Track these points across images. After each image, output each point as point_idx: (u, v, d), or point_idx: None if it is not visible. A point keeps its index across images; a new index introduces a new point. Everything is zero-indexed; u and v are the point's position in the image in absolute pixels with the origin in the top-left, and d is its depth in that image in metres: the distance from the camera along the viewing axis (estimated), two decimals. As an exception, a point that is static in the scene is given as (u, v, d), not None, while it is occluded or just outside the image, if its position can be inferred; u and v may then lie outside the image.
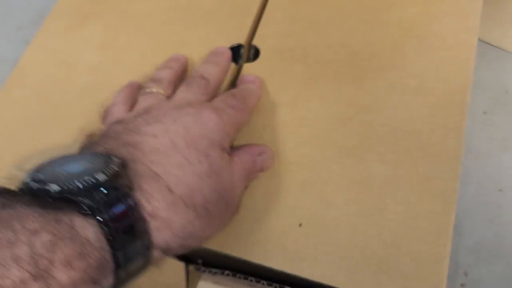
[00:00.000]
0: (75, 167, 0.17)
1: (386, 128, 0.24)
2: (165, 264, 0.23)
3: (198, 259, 0.23)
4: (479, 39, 0.50)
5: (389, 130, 0.24)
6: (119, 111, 0.24)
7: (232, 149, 0.23)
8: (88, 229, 0.16)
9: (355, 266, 0.21)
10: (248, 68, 0.27)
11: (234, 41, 0.28)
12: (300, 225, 0.22)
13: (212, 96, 0.24)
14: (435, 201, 0.22)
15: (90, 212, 0.16)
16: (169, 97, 0.24)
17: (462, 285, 0.39)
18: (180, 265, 0.23)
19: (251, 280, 0.22)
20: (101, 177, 0.17)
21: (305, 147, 0.24)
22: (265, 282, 0.22)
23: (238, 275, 0.22)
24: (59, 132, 0.27)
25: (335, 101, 0.25)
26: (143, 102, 0.23)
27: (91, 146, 0.20)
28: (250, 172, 0.23)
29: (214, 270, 0.22)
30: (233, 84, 0.27)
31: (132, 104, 0.24)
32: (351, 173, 0.23)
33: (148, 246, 0.18)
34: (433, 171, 0.23)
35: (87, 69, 0.29)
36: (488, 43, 0.49)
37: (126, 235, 0.17)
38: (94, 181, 0.17)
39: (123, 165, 0.18)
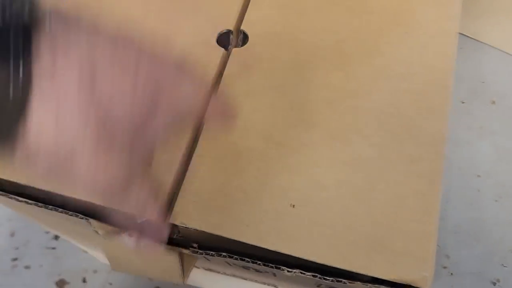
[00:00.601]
0: None
1: (373, 112, 0.25)
2: (159, 252, 0.23)
3: (193, 244, 0.24)
4: (459, 32, 0.52)
5: (376, 114, 0.25)
6: None
7: None
8: None
9: (347, 245, 0.22)
10: (237, 53, 0.27)
11: (223, 28, 0.28)
12: (293, 206, 0.23)
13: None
14: (422, 181, 0.23)
15: None
16: None
17: (444, 267, 0.41)
18: (174, 255, 0.23)
19: (247, 261, 0.22)
20: None
21: (295, 130, 0.25)
22: (260, 263, 0.22)
23: (234, 256, 0.22)
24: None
25: (324, 86, 0.26)
26: None
27: None
28: None
29: (210, 252, 0.23)
30: (222, 72, 0.27)
31: None
32: (340, 155, 0.24)
33: None
34: (419, 152, 0.24)
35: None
36: (465, 35, 0.51)
37: None
38: None
39: None
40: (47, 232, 0.44)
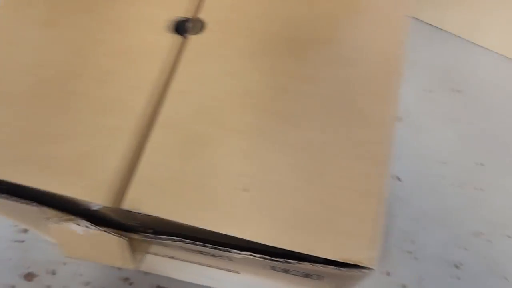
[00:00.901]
0: None
1: (325, 98, 0.26)
2: (106, 239, 0.23)
3: (148, 229, 0.24)
4: (424, 21, 0.53)
5: (328, 100, 0.26)
6: None
7: None
8: None
9: (298, 228, 0.22)
10: (194, 41, 0.27)
11: (181, 15, 0.28)
12: (246, 190, 0.23)
13: None
14: (370, 163, 0.24)
15: None
16: None
17: (409, 252, 0.42)
18: (123, 241, 0.23)
19: (198, 245, 0.22)
20: None
21: (249, 116, 0.25)
22: (212, 246, 0.22)
23: (185, 240, 0.22)
24: (3, 111, 0.26)
25: (278, 73, 0.26)
26: None
27: None
28: None
29: (161, 236, 0.23)
30: (178, 59, 0.27)
31: None
32: (292, 140, 0.24)
33: None
34: (368, 136, 0.24)
35: (31, 47, 0.28)
36: (431, 25, 0.52)
37: None
38: None
39: None
40: (15, 226, 0.44)
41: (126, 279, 0.42)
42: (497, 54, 0.50)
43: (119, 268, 0.42)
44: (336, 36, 0.27)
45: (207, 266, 0.32)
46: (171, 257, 0.32)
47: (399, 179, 0.45)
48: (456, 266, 0.41)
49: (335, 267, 0.21)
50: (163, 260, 0.33)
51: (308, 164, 0.24)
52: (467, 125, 0.47)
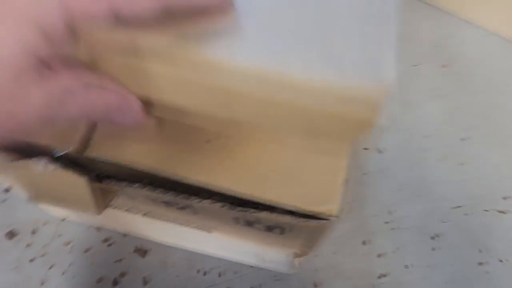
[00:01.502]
0: None
1: None
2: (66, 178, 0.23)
3: (113, 179, 0.24)
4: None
5: None
6: None
7: None
8: None
9: (262, 177, 0.23)
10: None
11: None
12: (209, 141, 0.23)
13: None
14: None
15: None
16: None
17: (386, 222, 0.42)
18: (82, 180, 0.23)
19: (158, 193, 0.23)
20: None
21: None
22: (172, 193, 0.23)
23: (147, 186, 0.23)
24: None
25: None
26: None
27: None
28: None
29: (123, 183, 0.23)
30: None
31: None
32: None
33: None
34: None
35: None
36: (420, 1, 0.52)
37: None
38: None
39: None
40: (-3, 185, 0.44)
41: (106, 240, 0.42)
42: (484, 30, 0.50)
43: (98, 229, 0.43)
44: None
45: (179, 224, 0.32)
46: (145, 214, 0.32)
47: (380, 151, 0.45)
48: (433, 238, 0.41)
49: (293, 217, 0.21)
50: (137, 219, 0.33)
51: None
52: (452, 100, 0.47)
